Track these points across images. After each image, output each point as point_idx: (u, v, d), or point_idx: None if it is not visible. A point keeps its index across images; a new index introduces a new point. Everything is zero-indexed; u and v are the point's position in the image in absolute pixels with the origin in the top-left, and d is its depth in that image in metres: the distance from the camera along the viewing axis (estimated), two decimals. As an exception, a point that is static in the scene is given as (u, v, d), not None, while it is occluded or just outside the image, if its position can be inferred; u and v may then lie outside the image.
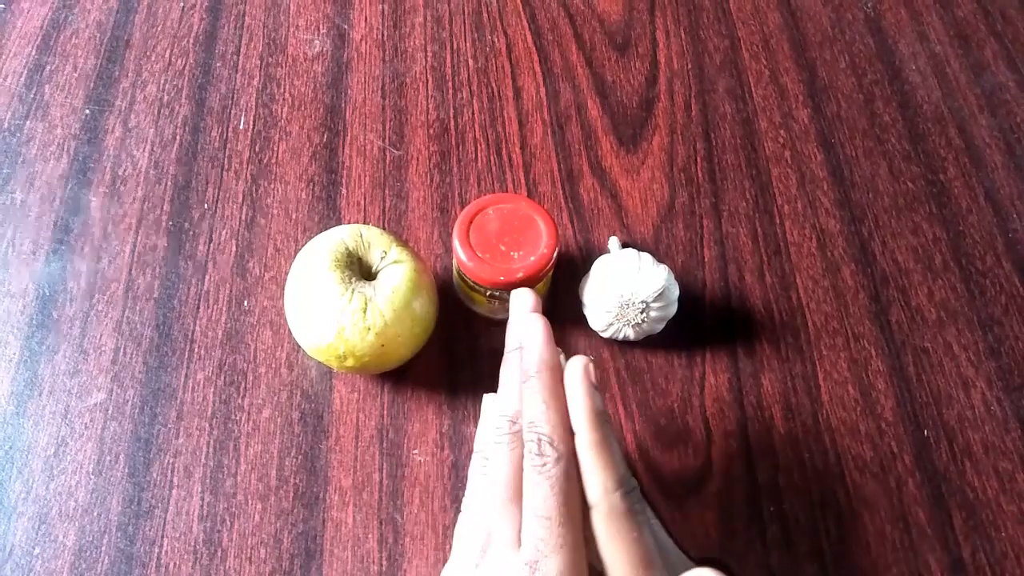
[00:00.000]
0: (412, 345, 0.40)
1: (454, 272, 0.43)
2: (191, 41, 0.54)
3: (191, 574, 0.37)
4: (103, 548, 0.38)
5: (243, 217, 0.47)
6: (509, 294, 0.40)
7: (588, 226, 0.48)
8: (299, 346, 0.43)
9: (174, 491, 0.39)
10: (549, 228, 0.40)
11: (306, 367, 0.43)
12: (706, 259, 0.47)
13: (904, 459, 0.41)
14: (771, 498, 0.40)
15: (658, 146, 0.51)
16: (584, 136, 0.51)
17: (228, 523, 0.39)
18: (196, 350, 0.43)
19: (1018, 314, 0.46)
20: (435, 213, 0.48)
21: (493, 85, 0.53)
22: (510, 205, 0.40)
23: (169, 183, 0.48)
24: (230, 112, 0.51)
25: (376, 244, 0.40)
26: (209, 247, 0.46)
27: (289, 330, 0.43)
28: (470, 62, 0.54)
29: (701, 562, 0.29)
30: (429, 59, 0.54)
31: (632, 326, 0.41)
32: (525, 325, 0.31)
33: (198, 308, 0.44)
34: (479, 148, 0.51)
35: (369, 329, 0.37)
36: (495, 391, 0.32)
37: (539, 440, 0.29)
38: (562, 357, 0.32)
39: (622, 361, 0.44)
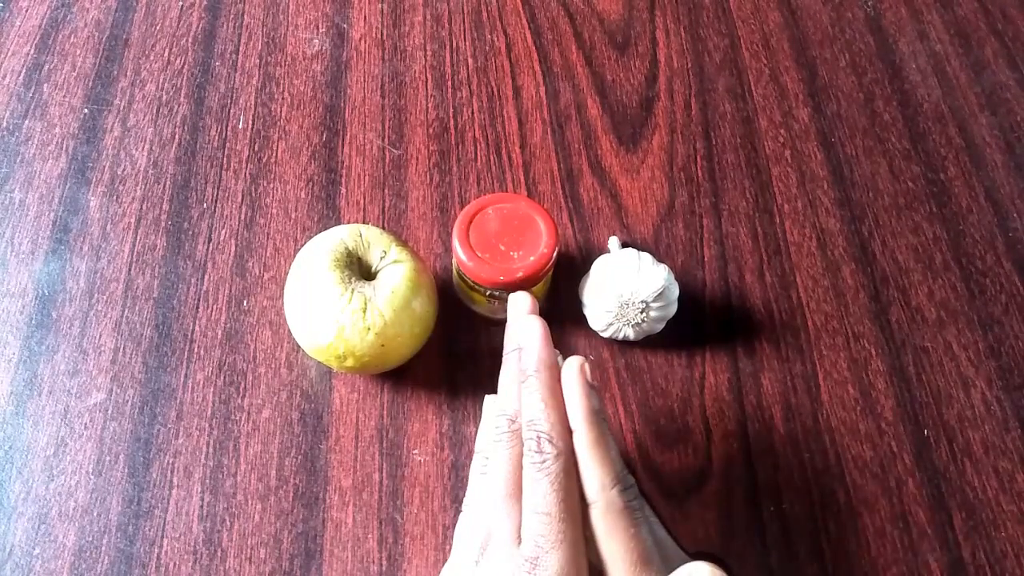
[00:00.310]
0: (412, 345, 0.40)
1: (454, 272, 0.43)
2: (190, 40, 0.54)
3: (191, 574, 0.37)
4: (103, 548, 0.38)
5: (242, 217, 0.47)
6: (509, 294, 0.40)
7: (588, 226, 0.48)
8: (299, 346, 0.43)
9: (174, 491, 0.39)
10: (549, 228, 0.40)
11: (306, 367, 0.43)
12: (706, 259, 0.47)
13: (904, 459, 0.41)
14: (771, 498, 0.40)
15: (658, 145, 0.51)
16: (584, 135, 0.51)
17: (228, 523, 0.39)
18: (196, 350, 0.43)
19: (1018, 314, 0.46)
20: (435, 213, 0.48)
21: (493, 84, 0.53)
22: (510, 205, 0.40)
23: (168, 182, 0.48)
24: (229, 111, 0.51)
25: (376, 244, 0.40)
26: (208, 247, 0.46)
27: (289, 330, 0.43)
28: (469, 61, 0.54)
29: (697, 557, 0.29)
30: (428, 58, 0.54)
31: (632, 326, 0.41)
32: (523, 326, 0.32)
33: (197, 308, 0.44)
34: (479, 147, 0.50)
35: (369, 329, 0.37)
36: (495, 391, 0.32)
37: (538, 438, 0.29)
38: (559, 358, 0.32)
39: (622, 361, 0.44)
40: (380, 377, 0.43)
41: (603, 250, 0.47)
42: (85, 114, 0.51)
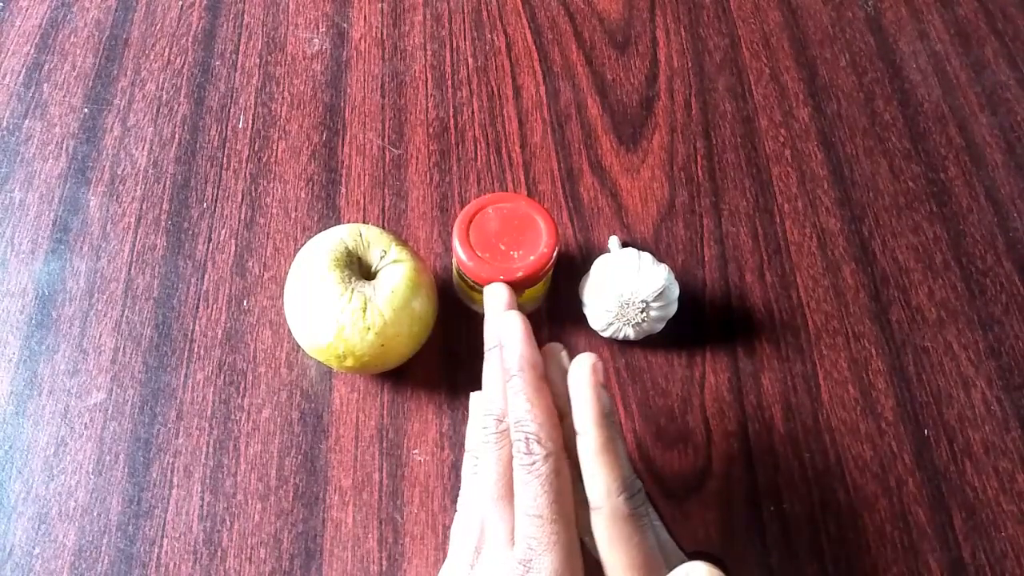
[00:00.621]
0: (412, 345, 0.40)
1: (454, 271, 0.43)
2: (190, 40, 0.54)
3: (191, 574, 0.37)
4: (103, 548, 0.38)
5: (242, 216, 0.47)
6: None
7: (588, 225, 0.48)
8: (299, 346, 0.43)
9: (174, 491, 0.39)
10: (549, 227, 0.40)
11: (306, 367, 0.43)
12: (706, 258, 0.47)
13: (904, 459, 0.41)
14: (771, 498, 0.40)
15: (658, 145, 0.51)
16: (584, 135, 0.51)
17: (228, 523, 0.39)
18: (196, 350, 0.43)
19: (1018, 313, 0.46)
20: (435, 212, 0.48)
21: (493, 84, 0.53)
22: (510, 204, 0.40)
23: (168, 182, 0.48)
24: (229, 111, 0.51)
25: (376, 243, 0.40)
26: (208, 246, 0.46)
27: (289, 330, 0.43)
28: (470, 61, 0.54)
29: (693, 556, 0.29)
30: (428, 58, 0.54)
31: (632, 326, 0.41)
32: (502, 322, 0.31)
33: (197, 308, 0.44)
34: (479, 147, 0.50)
35: (369, 329, 0.37)
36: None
37: (526, 439, 0.28)
38: (564, 354, 0.32)
39: (622, 361, 0.44)
40: (380, 377, 0.43)
41: (603, 250, 0.47)
42: (85, 114, 0.51)
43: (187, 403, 0.41)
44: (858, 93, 0.54)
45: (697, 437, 0.42)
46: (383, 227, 0.47)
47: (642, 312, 0.40)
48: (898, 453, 0.42)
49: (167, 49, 0.54)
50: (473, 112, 0.52)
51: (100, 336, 0.43)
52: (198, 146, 0.50)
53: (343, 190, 0.48)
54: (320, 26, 0.55)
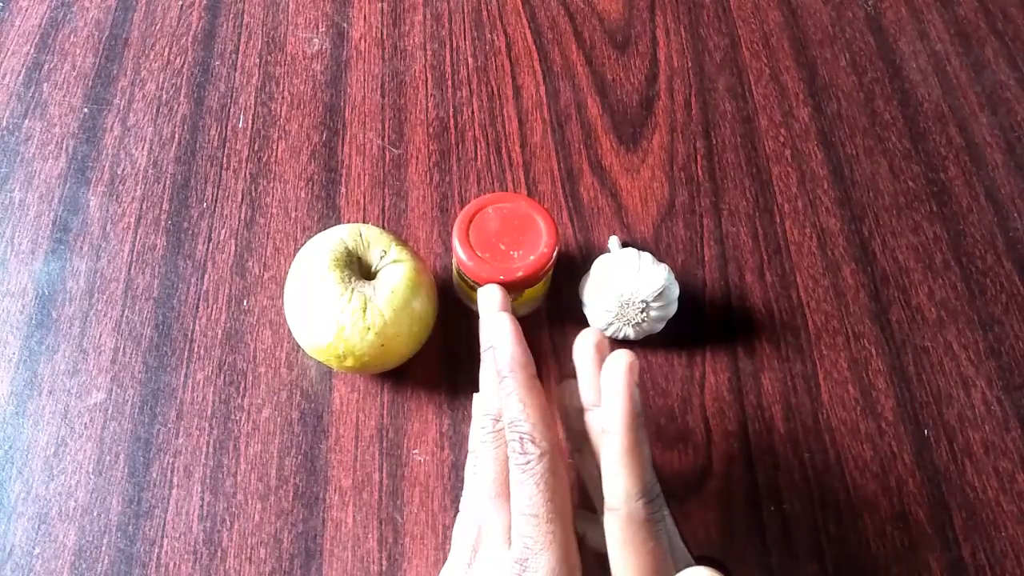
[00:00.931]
0: (412, 344, 0.40)
1: (454, 271, 0.43)
2: (190, 39, 0.54)
3: (191, 574, 0.37)
4: (103, 548, 0.38)
5: (242, 216, 0.47)
6: (509, 293, 0.40)
7: (588, 225, 0.48)
8: (299, 346, 0.43)
9: (174, 491, 0.39)
10: (549, 227, 0.40)
11: (306, 367, 0.43)
12: (706, 258, 0.47)
13: (904, 459, 0.41)
14: (771, 498, 0.40)
15: (658, 145, 0.51)
16: (584, 135, 0.51)
17: (228, 523, 0.39)
18: (196, 350, 0.43)
19: (1018, 313, 0.46)
20: (435, 212, 0.48)
21: (493, 84, 0.53)
22: (510, 204, 0.40)
23: (168, 182, 0.48)
24: (229, 111, 0.51)
25: (375, 243, 0.40)
26: (208, 246, 0.46)
27: (289, 330, 0.43)
28: (470, 60, 0.54)
29: (699, 560, 0.29)
30: (428, 57, 0.54)
31: (632, 325, 0.41)
32: (492, 324, 0.31)
33: (197, 307, 0.44)
34: (479, 147, 0.50)
35: (369, 329, 0.37)
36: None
37: (520, 439, 0.28)
38: (593, 337, 0.30)
39: (622, 361, 0.43)
40: (380, 377, 0.43)
41: (603, 249, 0.47)
42: (85, 113, 0.51)
43: (187, 403, 0.41)
44: (858, 93, 0.54)
45: (697, 437, 0.42)
46: (383, 227, 0.47)
47: (642, 312, 0.40)
48: (898, 453, 0.42)
49: (167, 49, 0.54)
50: (473, 112, 0.52)
51: (100, 336, 0.43)
52: (198, 146, 0.50)
53: (343, 190, 0.48)
54: (320, 26, 0.55)
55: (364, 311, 0.37)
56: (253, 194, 0.48)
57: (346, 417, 0.41)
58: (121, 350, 0.43)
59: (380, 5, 0.57)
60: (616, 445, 0.28)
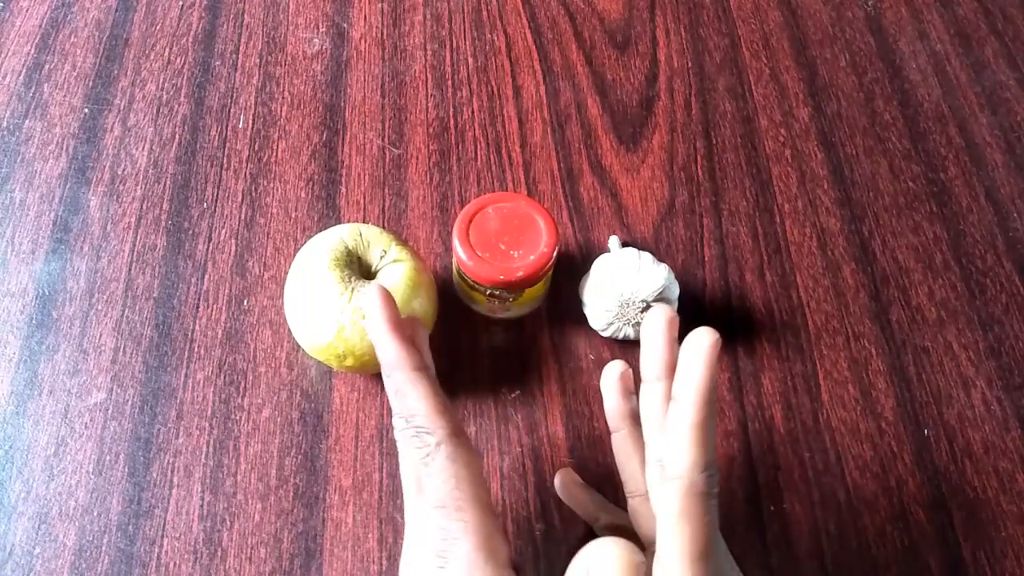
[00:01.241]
0: (412, 345, 0.40)
1: (454, 271, 0.43)
2: (190, 40, 0.54)
3: (191, 574, 0.37)
4: (103, 548, 0.38)
5: (242, 216, 0.47)
6: (510, 293, 0.40)
7: (588, 225, 0.48)
8: (299, 346, 0.43)
9: (174, 491, 0.39)
10: (549, 227, 0.40)
11: (306, 367, 0.43)
12: (706, 258, 0.47)
13: (904, 459, 0.41)
14: (771, 498, 0.40)
15: (658, 145, 0.51)
16: (584, 135, 0.51)
17: (228, 523, 0.39)
18: (196, 349, 0.43)
19: (1018, 313, 0.46)
20: (435, 212, 0.48)
21: (493, 84, 0.53)
22: (510, 204, 0.40)
23: (168, 182, 0.48)
24: (229, 111, 0.51)
25: (376, 243, 0.40)
26: (208, 246, 0.46)
27: (289, 329, 0.43)
28: (470, 60, 0.54)
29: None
30: (428, 57, 0.54)
31: (632, 325, 0.41)
32: (369, 330, 0.31)
33: (198, 307, 0.44)
34: (479, 147, 0.50)
35: (369, 329, 0.37)
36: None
37: (417, 433, 0.29)
38: (667, 313, 0.30)
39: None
40: (380, 377, 0.42)
41: (603, 249, 0.47)
42: (85, 114, 0.51)
43: (187, 403, 0.41)
44: (858, 93, 0.54)
45: (697, 437, 0.41)
46: (383, 227, 0.47)
47: (642, 312, 0.40)
48: (898, 453, 0.42)
49: (167, 49, 0.54)
50: (473, 112, 0.52)
51: (100, 336, 0.43)
52: (198, 146, 0.50)
53: (343, 190, 0.48)
54: (320, 26, 0.55)
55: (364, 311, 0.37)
56: (253, 194, 0.48)
57: (346, 417, 0.41)
58: (121, 350, 0.43)
59: (380, 5, 0.57)
60: (688, 415, 0.27)
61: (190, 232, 0.47)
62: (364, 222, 0.45)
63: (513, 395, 0.42)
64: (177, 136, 0.50)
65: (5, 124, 0.50)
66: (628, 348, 0.44)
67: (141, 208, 0.47)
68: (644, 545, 0.32)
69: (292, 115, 0.51)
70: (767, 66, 0.55)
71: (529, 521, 0.39)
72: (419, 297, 0.39)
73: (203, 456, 0.40)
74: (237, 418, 0.41)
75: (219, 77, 0.53)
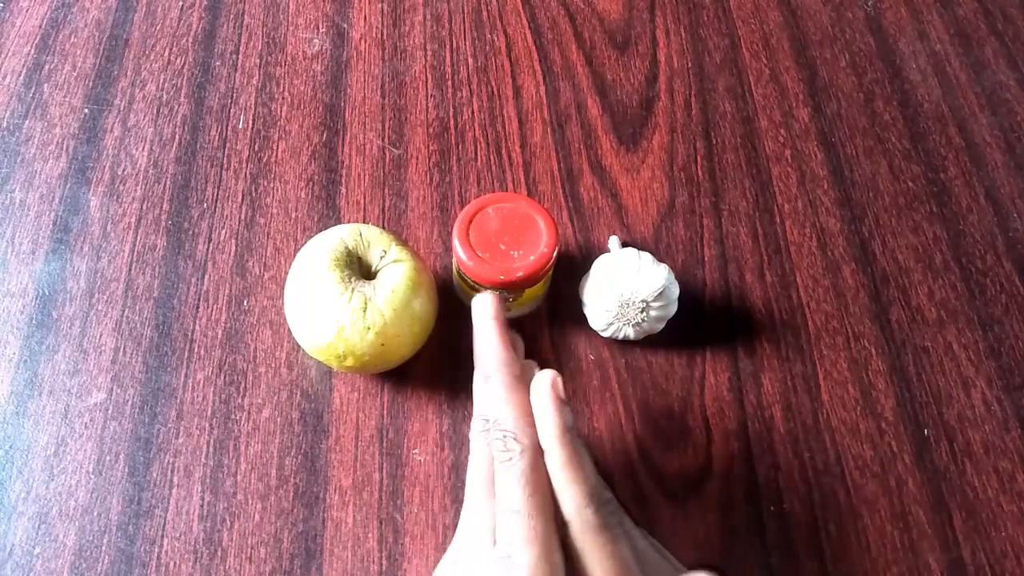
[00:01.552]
0: (412, 344, 0.40)
1: (454, 271, 0.43)
2: (190, 40, 0.54)
3: (191, 574, 0.37)
4: (103, 548, 0.38)
5: (242, 216, 0.47)
6: (510, 293, 0.40)
7: (588, 225, 0.48)
8: (299, 346, 0.43)
9: (174, 491, 0.39)
10: (549, 227, 0.40)
11: (306, 367, 0.43)
12: (706, 258, 0.47)
13: (904, 459, 0.41)
14: (771, 498, 0.40)
15: (658, 145, 0.51)
16: (584, 135, 0.51)
17: (228, 523, 0.39)
18: (196, 350, 0.43)
19: (1018, 314, 0.46)
20: (435, 212, 0.48)
21: (493, 84, 0.53)
22: (510, 204, 0.40)
23: (168, 182, 0.48)
24: (229, 111, 0.51)
25: (376, 243, 0.40)
26: (208, 246, 0.46)
27: (289, 330, 0.43)
28: (470, 61, 0.54)
29: (695, 567, 0.29)
30: (428, 58, 0.54)
31: (632, 325, 0.41)
32: (477, 326, 0.33)
33: (198, 308, 0.44)
34: (479, 147, 0.50)
35: (369, 328, 0.37)
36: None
37: (503, 436, 0.29)
38: (535, 368, 0.32)
39: (622, 361, 0.44)
40: (380, 377, 0.43)
41: (603, 249, 0.47)
42: (85, 114, 0.51)
43: (187, 403, 0.41)
44: (858, 93, 0.54)
45: (697, 437, 0.42)
46: (383, 227, 0.47)
47: (642, 312, 0.40)
48: (898, 453, 0.42)
49: (167, 49, 0.54)
50: (473, 112, 0.52)
51: (100, 336, 0.43)
52: (198, 146, 0.50)
53: (343, 190, 0.48)
54: (320, 26, 0.55)
55: (364, 311, 0.37)
56: (253, 194, 0.48)
57: (346, 417, 0.41)
58: (121, 350, 0.43)
59: (380, 5, 0.57)
60: (555, 460, 0.29)
61: (190, 232, 0.47)
62: (364, 222, 0.45)
63: (513, 395, 0.42)
64: (177, 136, 0.50)
65: (5, 124, 0.50)
66: (628, 348, 0.44)
67: (141, 208, 0.47)
68: None
69: (292, 115, 0.51)
70: (767, 66, 0.55)
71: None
72: (419, 297, 0.39)
73: (203, 456, 0.40)
74: (237, 418, 0.41)
75: (219, 77, 0.53)
